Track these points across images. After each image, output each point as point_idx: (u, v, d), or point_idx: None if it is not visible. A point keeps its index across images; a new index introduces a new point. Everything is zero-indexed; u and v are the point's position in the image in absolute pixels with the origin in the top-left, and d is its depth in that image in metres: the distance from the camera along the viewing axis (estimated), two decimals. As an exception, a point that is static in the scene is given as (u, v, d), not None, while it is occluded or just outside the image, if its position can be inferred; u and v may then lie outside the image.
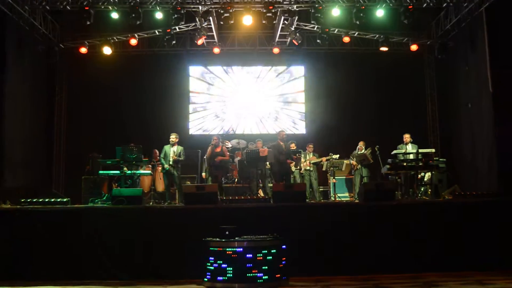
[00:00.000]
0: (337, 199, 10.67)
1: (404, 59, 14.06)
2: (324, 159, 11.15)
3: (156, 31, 13.02)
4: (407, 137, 10.65)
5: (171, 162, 10.11)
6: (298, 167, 11.26)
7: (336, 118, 14.01)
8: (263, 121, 14.46)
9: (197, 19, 12.23)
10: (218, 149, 10.47)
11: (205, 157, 10.83)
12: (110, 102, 13.87)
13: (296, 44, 12.99)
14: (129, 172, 9.52)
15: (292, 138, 12.29)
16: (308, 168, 11.26)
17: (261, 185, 10.96)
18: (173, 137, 10.34)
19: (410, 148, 10.45)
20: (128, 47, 13.65)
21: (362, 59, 14.19)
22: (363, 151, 11.15)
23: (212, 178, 10.47)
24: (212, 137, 10.81)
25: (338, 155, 11.14)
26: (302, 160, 11.28)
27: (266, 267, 6.33)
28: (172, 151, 10.21)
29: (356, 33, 13.24)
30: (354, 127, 13.73)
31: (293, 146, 11.21)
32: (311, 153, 11.56)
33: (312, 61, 14.47)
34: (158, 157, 11.18)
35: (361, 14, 11.50)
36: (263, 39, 14.14)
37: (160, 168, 10.80)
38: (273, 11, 11.53)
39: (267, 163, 10.69)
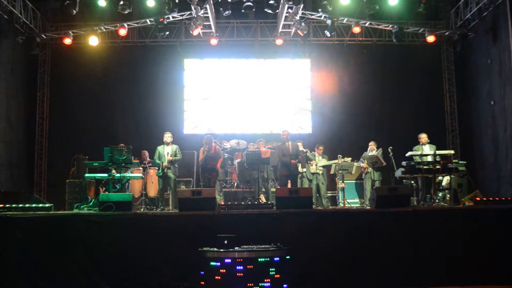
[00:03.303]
0: (346, 205, 10.66)
1: (420, 52, 14.07)
2: (337, 161, 11.11)
3: (148, 20, 13.03)
4: (423, 137, 10.60)
5: (166, 164, 10.13)
6: (304, 170, 11.22)
7: (345, 116, 14.03)
8: (265, 120, 14.46)
9: (192, 7, 12.22)
10: (212, 151, 10.45)
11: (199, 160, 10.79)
12: (97, 98, 13.88)
13: (301, 35, 12.99)
14: (118, 175, 9.51)
15: (297, 138, 12.27)
16: (316, 171, 11.24)
17: (263, 189, 10.95)
18: (167, 137, 10.38)
19: (427, 149, 10.41)
20: (116, 38, 13.68)
21: (374, 52, 14.20)
22: (374, 152, 11.13)
23: (205, 183, 10.45)
24: (204, 137, 10.74)
25: (350, 158, 11.11)
26: (312, 163, 11.23)
27: (268, 280, 6.31)
28: (166, 151, 10.24)
29: (368, 23, 13.25)
30: (365, 126, 13.75)
31: (300, 146, 11.15)
32: (320, 156, 11.54)
33: (319, 54, 14.46)
34: (148, 159, 11.20)
35: (373, 2, 11.49)
36: (265, 29, 14.16)
37: (151, 171, 10.81)
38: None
39: (270, 165, 10.68)
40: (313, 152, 11.57)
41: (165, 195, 10.59)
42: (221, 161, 10.89)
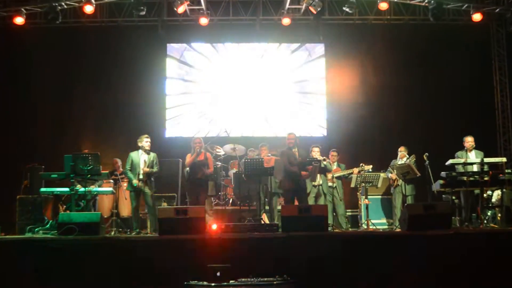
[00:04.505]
0: (370, 226, 10.64)
1: (464, 34, 14.06)
2: (355, 170, 11.07)
3: (121, -6, 13.10)
4: (469, 141, 10.58)
5: (141, 176, 10.06)
6: (315, 182, 11.15)
7: (368, 114, 13.99)
8: (268, 120, 14.47)
9: (176, -22, 12.28)
10: (201, 157, 10.42)
11: (186, 168, 10.76)
12: (56, 93, 13.88)
13: (314, 12, 13.00)
14: (82, 189, 9.50)
15: (310, 141, 12.21)
16: (330, 184, 11.20)
17: (266, 207, 10.92)
18: (146, 141, 10.26)
19: (473, 156, 10.40)
20: (81, 17, 13.67)
21: (405, 34, 14.20)
22: (405, 159, 11.11)
23: (192, 199, 10.41)
24: (193, 140, 10.69)
25: (371, 166, 11.09)
26: (329, 175, 11.17)
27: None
28: (143, 160, 10.16)
29: (397, -3, 13.33)
30: (394, 127, 13.74)
31: (316, 152, 11.06)
32: (335, 164, 11.49)
33: (336, 37, 14.48)
34: (121, 169, 11.15)
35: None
36: (269, 6, 14.15)
37: (125, 185, 10.78)
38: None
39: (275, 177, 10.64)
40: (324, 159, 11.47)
41: (141, 214, 10.53)
42: (212, 171, 10.80)
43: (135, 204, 10.17)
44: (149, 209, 10.25)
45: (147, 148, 10.24)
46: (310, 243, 7.54)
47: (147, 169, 10.07)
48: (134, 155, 10.22)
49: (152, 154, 10.28)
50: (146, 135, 10.36)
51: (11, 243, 7.66)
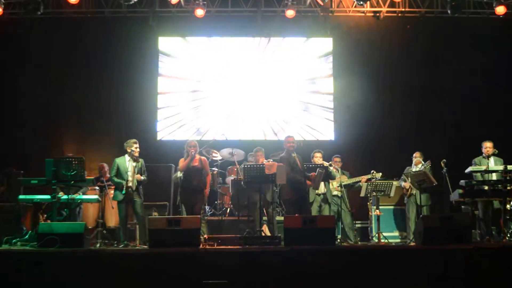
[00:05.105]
0: (382, 240, 10.62)
1: (486, 28, 14.03)
2: (363, 178, 11.04)
3: (108, -17, 13.11)
4: (488, 146, 10.57)
5: (130, 184, 9.98)
6: (319, 190, 11.12)
7: (380, 116, 13.97)
8: (269, 122, 14.44)
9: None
10: (196, 162, 10.38)
11: (178, 173, 10.72)
12: (36, 90, 13.84)
13: (321, 4, 13.01)
14: (65, 197, 9.48)
15: (315, 146, 12.17)
16: (335, 193, 11.18)
17: (265, 218, 10.91)
18: (136, 147, 10.15)
19: (492, 163, 10.39)
20: (65, 7, 13.66)
21: (421, 28, 14.19)
22: (420, 166, 11.08)
23: (187, 208, 10.38)
24: (187, 143, 10.63)
25: (380, 174, 11.07)
26: (335, 183, 11.15)
27: None
28: (131, 167, 10.07)
29: (412, -13, 13.34)
30: (408, 131, 13.72)
31: (318, 158, 11.05)
32: (338, 170, 11.46)
33: (345, 31, 14.49)
34: (108, 175, 11.13)
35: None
36: (271, -4, 14.19)
37: (112, 192, 10.76)
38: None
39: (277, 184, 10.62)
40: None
41: (129, 225, 10.50)
42: (210, 180, 10.77)
43: (124, 214, 10.10)
44: (138, 219, 10.18)
45: (136, 154, 10.13)
46: (316, 257, 7.53)
47: (141, 177, 10.01)
48: (120, 161, 10.04)
49: (141, 161, 10.19)
50: (135, 140, 10.18)
51: (-14, 256, 7.65)
